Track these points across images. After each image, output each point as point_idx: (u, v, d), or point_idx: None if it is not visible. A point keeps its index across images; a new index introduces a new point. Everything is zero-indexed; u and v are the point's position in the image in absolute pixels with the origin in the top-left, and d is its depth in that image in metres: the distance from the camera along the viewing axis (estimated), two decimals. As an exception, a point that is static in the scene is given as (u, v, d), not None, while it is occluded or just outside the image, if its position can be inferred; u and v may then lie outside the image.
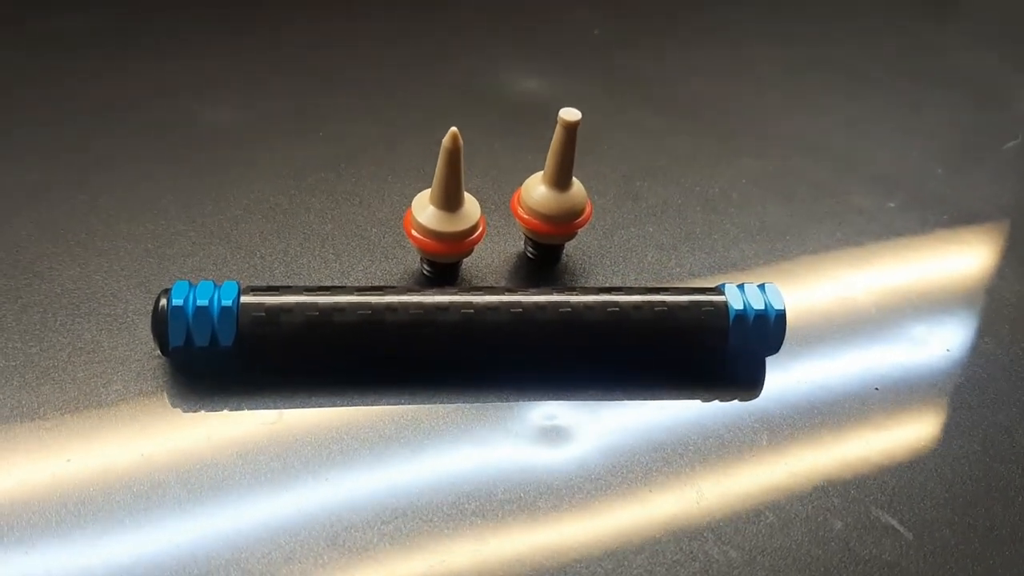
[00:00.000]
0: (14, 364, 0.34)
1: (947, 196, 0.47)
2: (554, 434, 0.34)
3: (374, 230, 0.41)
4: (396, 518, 0.30)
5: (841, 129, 0.51)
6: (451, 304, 0.34)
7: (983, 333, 0.40)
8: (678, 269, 0.41)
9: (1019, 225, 0.46)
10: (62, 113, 0.46)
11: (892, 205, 0.46)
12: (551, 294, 0.35)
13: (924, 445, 0.35)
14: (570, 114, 0.36)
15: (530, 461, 0.33)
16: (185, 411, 0.33)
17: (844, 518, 0.32)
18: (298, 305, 0.33)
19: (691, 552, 0.31)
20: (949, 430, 0.35)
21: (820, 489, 0.33)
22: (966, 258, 0.44)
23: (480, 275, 0.40)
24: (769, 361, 0.37)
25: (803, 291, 0.40)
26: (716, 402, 0.35)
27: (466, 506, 0.31)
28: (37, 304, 0.36)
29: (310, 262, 0.39)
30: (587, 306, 0.35)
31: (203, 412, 0.33)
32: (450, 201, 0.36)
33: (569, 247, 0.41)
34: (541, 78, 0.53)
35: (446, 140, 0.35)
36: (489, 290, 0.35)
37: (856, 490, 0.33)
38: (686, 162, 0.47)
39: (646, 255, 0.41)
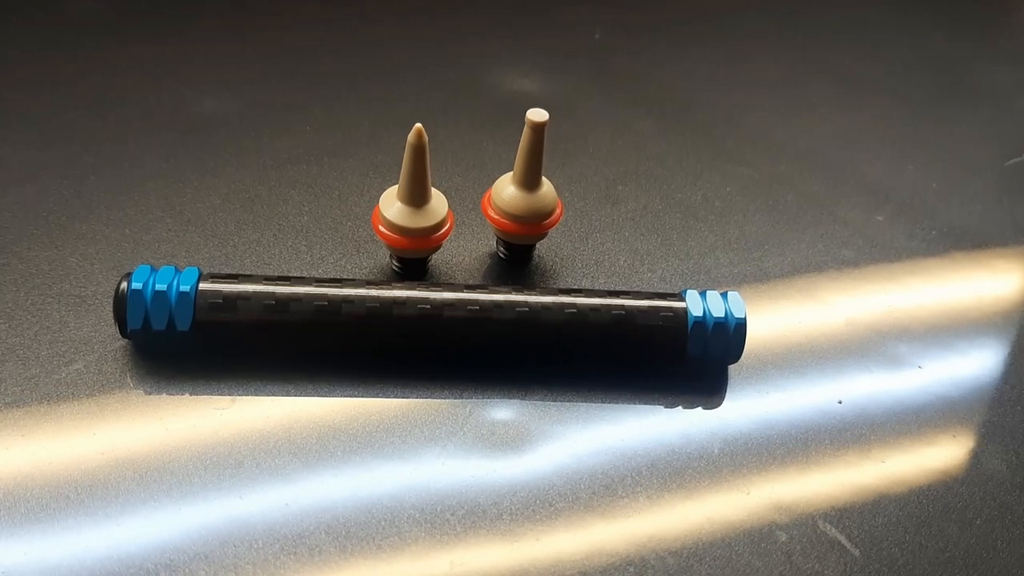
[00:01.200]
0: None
1: (938, 211, 0.46)
2: (505, 432, 0.34)
3: (349, 224, 0.41)
4: (339, 519, 0.31)
5: (837, 139, 0.50)
6: (408, 299, 0.34)
7: (955, 352, 0.39)
8: (649, 275, 0.41)
9: (1007, 242, 0.45)
10: (56, 99, 0.47)
11: (880, 218, 0.45)
12: (509, 293, 0.35)
13: (882, 462, 0.34)
14: (537, 115, 0.36)
15: (479, 459, 0.33)
16: (141, 393, 0.33)
17: (789, 531, 0.32)
18: (255, 294, 0.34)
19: (627, 556, 0.30)
20: (909, 448, 0.35)
21: (768, 500, 0.32)
22: (947, 274, 0.43)
23: (451, 273, 0.40)
24: (732, 370, 0.37)
25: (774, 301, 0.40)
26: (672, 408, 0.35)
27: (406, 498, 0.31)
28: (11, 283, 0.37)
29: (281, 253, 0.40)
30: (545, 306, 0.35)
31: (158, 395, 0.33)
32: (416, 197, 0.37)
33: (542, 248, 0.41)
34: (535, 78, 0.53)
35: (411, 136, 0.35)
36: (448, 286, 0.35)
37: (806, 503, 0.33)
38: (671, 167, 0.47)
39: (618, 259, 0.41)
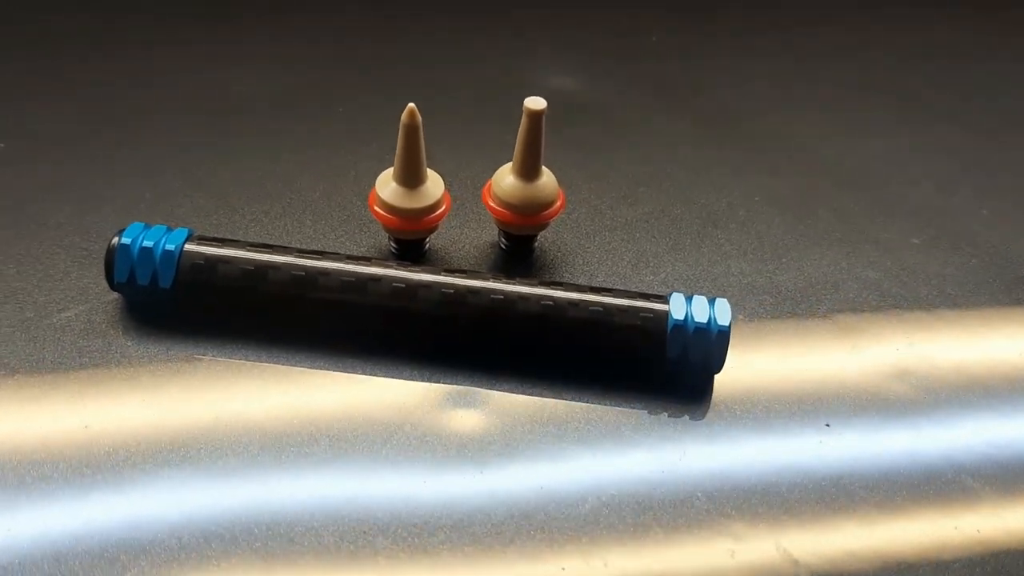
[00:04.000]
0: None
1: (983, 239, 0.43)
2: (469, 419, 0.33)
3: (358, 204, 0.42)
4: (287, 509, 0.31)
5: (886, 160, 0.48)
6: (383, 277, 0.34)
7: (959, 386, 0.36)
8: (651, 277, 0.39)
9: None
10: (99, 72, 0.50)
11: (916, 241, 0.43)
12: (487, 280, 0.35)
13: (858, 486, 0.32)
14: (535, 103, 0.36)
15: (438, 437, 0.32)
16: (121, 344, 0.34)
17: (742, 544, 0.30)
18: (236, 258, 0.34)
19: (570, 553, 0.29)
20: (887, 473, 0.32)
21: (725, 514, 0.31)
22: (980, 309, 0.40)
23: (452, 260, 0.39)
24: (718, 380, 0.35)
25: (777, 316, 0.38)
26: (646, 412, 0.34)
27: (342, 485, 0.31)
28: (29, 234, 0.39)
29: (286, 225, 0.40)
30: (521, 296, 0.34)
31: (135, 345, 0.34)
32: (410, 178, 0.37)
33: (546, 241, 0.41)
34: (578, 77, 0.52)
35: (404, 115, 0.35)
36: (427, 268, 0.35)
37: (766, 521, 0.31)
38: (699, 173, 0.45)
39: (622, 259, 0.40)
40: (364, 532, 0.29)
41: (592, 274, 0.39)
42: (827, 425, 0.34)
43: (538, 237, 0.40)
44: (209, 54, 0.52)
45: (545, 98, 0.52)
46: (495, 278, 0.35)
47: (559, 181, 0.43)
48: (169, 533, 0.29)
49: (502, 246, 0.40)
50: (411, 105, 0.35)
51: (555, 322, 0.34)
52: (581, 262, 0.40)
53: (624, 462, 0.32)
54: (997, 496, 0.32)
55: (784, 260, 0.41)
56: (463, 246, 0.40)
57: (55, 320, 0.35)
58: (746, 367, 0.36)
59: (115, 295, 0.36)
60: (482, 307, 0.34)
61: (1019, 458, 0.33)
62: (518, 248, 0.40)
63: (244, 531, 0.29)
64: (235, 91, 0.49)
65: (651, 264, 0.40)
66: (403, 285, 0.34)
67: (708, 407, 0.34)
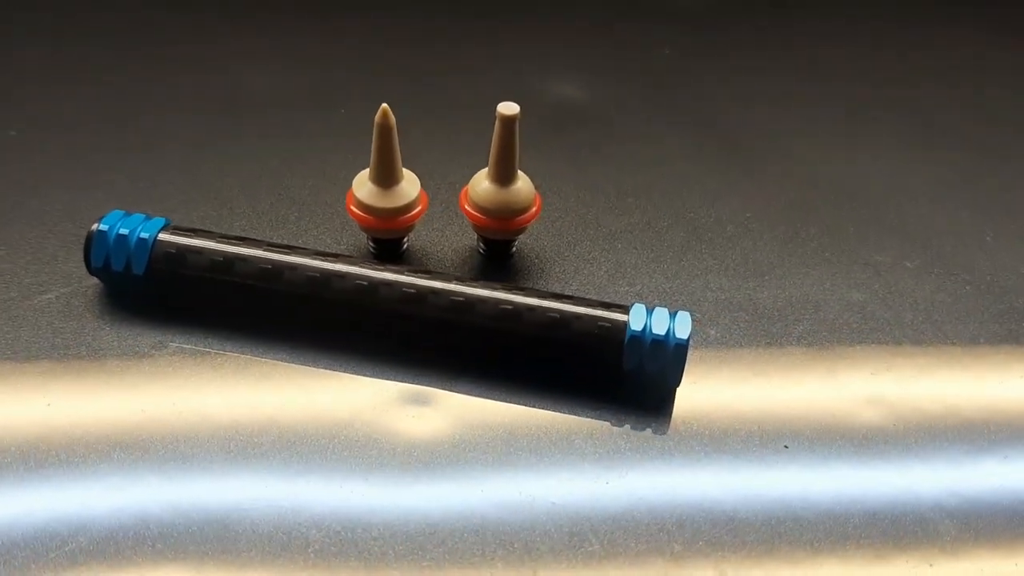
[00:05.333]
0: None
1: (982, 266, 0.41)
2: (420, 418, 0.33)
3: (343, 203, 0.42)
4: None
5: (889, 179, 0.47)
6: (347, 274, 0.35)
7: (934, 418, 0.35)
8: (627, 289, 0.39)
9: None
10: (114, 62, 0.51)
11: (909, 264, 0.41)
12: (449, 281, 0.35)
13: (811, 513, 0.31)
14: (508, 108, 0.36)
15: (392, 439, 0.33)
16: (93, 325, 0.35)
17: (679, 564, 0.29)
18: (207, 249, 0.35)
19: (501, 559, 0.29)
20: (841, 502, 0.31)
21: (665, 531, 0.30)
22: (968, 341, 0.38)
23: (431, 263, 0.40)
24: (680, 395, 0.35)
25: (749, 334, 0.37)
26: (600, 423, 0.34)
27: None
28: (24, 217, 0.40)
29: (271, 221, 0.41)
30: (480, 299, 0.34)
31: (107, 329, 0.35)
32: (385, 178, 0.37)
33: (525, 248, 0.41)
34: (584, 86, 0.52)
35: (377, 116, 0.36)
36: (390, 267, 0.35)
37: (708, 542, 0.30)
38: (692, 186, 0.45)
39: (600, 269, 0.40)
40: (299, 524, 0.30)
41: (567, 282, 0.39)
42: (785, 447, 0.33)
43: (517, 242, 0.40)
44: (218, 52, 0.53)
45: (548, 106, 0.52)
46: (458, 280, 0.35)
47: (549, 188, 0.44)
48: (109, 514, 0.29)
49: (480, 251, 0.40)
50: (384, 105, 0.35)
51: (511, 326, 0.34)
52: (558, 270, 0.40)
53: (570, 473, 0.32)
54: (959, 535, 0.31)
55: (766, 278, 0.40)
56: (442, 248, 0.40)
57: (36, 301, 0.36)
58: (711, 383, 0.35)
59: (95, 280, 0.37)
60: (441, 307, 0.34)
61: (988, 500, 0.32)
62: (495, 253, 0.40)
63: (182, 516, 0.30)
64: (241, 89, 0.50)
65: (628, 275, 0.40)
66: (365, 282, 0.35)
67: (665, 421, 0.34)
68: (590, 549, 0.30)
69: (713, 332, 0.37)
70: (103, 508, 0.30)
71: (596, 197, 0.44)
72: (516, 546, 0.30)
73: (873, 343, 0.37)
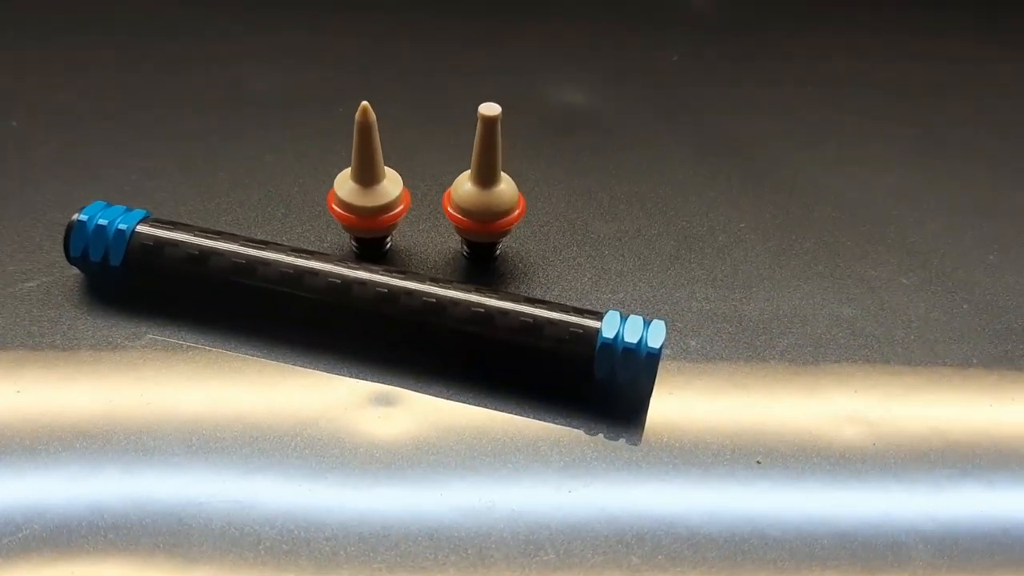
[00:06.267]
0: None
1: (983, 286, 0.40)
2: (386, 418, 0.33)
3: (332, 201, 0.42)
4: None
5: (891, 192, 0.45)
6: (320, 271, 0.35)
7: (916, 439, 0.34)
8: (609, 296, 0.38)
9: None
10: (120, 60, 0.52)
11: (905, 281, 0.40)
12: (423, 282, 0.34)
13: (776, 530, 0.30)
14: (489, 108, 0.35)
15: (357, 438, 0.32)
16: (70, 314, 0.36)
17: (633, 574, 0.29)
18: (183, 242, 0.35)
19: (453, 565, 0.29)
20: (812, 521, 0.30)
21: (624, 543, 0.30)
22: (951, 351, 0.37)
23: (413, 264, 0.39)
24: (653, 405, 0.34)
25: (734, 344, 0.36)
26: (568, 430, 0.33)
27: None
28: (17, 205, 0.41)
29: (257, 217, 0.41)
30: (453, 301, 0.34)
31: (83, 318, 0.36)
32: (365, 176, 0.37)
33: (510, 252, 0.40)
34: (590, 92, 0.51)
35: (357, 114, 0.35)
36: (364, 266, 0.35)
37: (667, 556, 0.29)
38: (688, 195, 0.44)
39: (584, 276, 0.39)
40: (252, 521, 0.29)
41: (549, 287, 0.39)
42: (758, 463, 0.32)
43: (502, 246, 0.40)
44: (221, 49, 0.53)
45: (549, 109, 0.51)
46: (432, 281, 0.34)
47: (540, 193, 0.43)
48: (65, 503, 0.30)
49: (464, 253, 0.40)
50: (364, 103, 0.35)
51: (482, 329, 0.33)
52: (541, 275, 0.39)
53: (533, 480, 0.31)
54: (933, 561, 0.30)
55: (755, 290, 0.39)
56: (427, 250, 0.40)
57: (17, 289, 0.37)
58: (687, 394, 0.35)
59: (76, 271, 0.37)
60: (414, 309, 0.34)
61: (966, 527, 0.31)
62: (479, 256, 0.39)
63: (137, 508, 0.29)
64: (242, 87, 0.50)
65: (612, 282, 0.39)
66: (338, 281, 0.34)
67: (636, 432, 0.33)
68: (545, 558, 0.29)
69: (694, 343, 0.37)
70: (60, 497, 0.30)
71: (588, 203, 0.43)
72: (470, 551, 0.29)
73: (860, 360, 0.36)
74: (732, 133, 0.49)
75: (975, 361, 0.37)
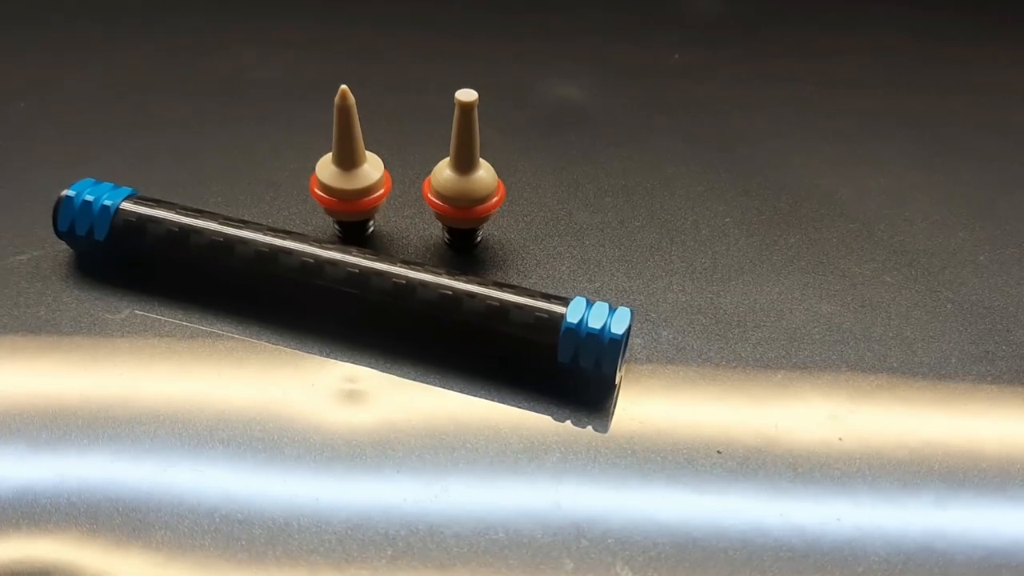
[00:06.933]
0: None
1: (970, 287, 0.39)
2: (350, 397, 0.33)
3: (320, 186, 0.43)
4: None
5: (885, 192, 0.45)
6: (294, 250, 0.35)
7: (886, 442, 0.33)
8: (586, 285, 0.38)
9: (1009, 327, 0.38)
10: (129, 48, 0.53)
11: (889, 279, 0.40)
12: (394, 264, 0.35)
13: (728, 522, 0.30)
14: (466, 95, 0.36)
15: (320, 416, 0.33)
16: (56, 287, 0.37)
17: (581, 561, 0.29)
18: (164, 219, 0.36)
19: (399, 540, 0.29)
20: (765, 515, 0.30)
21: (574, 526, 0.30)
22: (929, 349, 0.36)
23: (395, 249, 0.40)
24: (623, 393, 0.34)
25: (706, 336, 0.36)
26: (531, 414, 0.33)
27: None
28: (24, 181, 0.42)
29: (245, 199, 0.42)
30: (422, 283, 0.34)
31: (68, 291, 0.37)
32: (346, 159, 0.37)
33: (492, 239, 0.40)
34: (587, 87, 0.51)
35: (336, 97, 0.36)
36: (338, 247, 0.35)
37: (615, 540, 0.29)
38: (674, 189, 0.44)
39: (562, 265, 0.39)
40: (212, 494, 0.30)
41: (527, 275, 0.39)
42: (718, 452, 0.32)
43: (484, 233, 0.40)
44: (222, 36, 0.54)
45: (547, 104, 0.51)
46: (404, 263, 0.35)
47: (527, 183, 0.44)
48: (27, 481, 0.30)
49: (445, 240, 0.40)
50: (343, 86, 0.36)
51: (449, 312, 0.34)
52: (520, 262, 0.39)
53: (487, 461, 0.32)
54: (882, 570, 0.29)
55: (733, 283, 0.39)
56: (409, 236, 0.41)
57: (9, 262, 0.38)
58: (651, 383, 0.35)
59: (66, 247, 0.38)
60: (384, 290, 0.34)
61: (918, 539, 0.30)
62: (459, 242, 0.40)
63: (96, 487, 0.30)
64: (242, 74, 0.51)
65: (590, 272, 0.39)
66: (311, 260, 0.35)
67: (601, 420, 0.33)
68: (495, 537, 0.29)
69: (666, 333, 0.36)
70: (23, 471, 0.30)
71: (574, 194, 0.43)
72: (421, 530, 0.29)
73: (833, 355, 0.36)
74: (727, 131, 0.49)
75: (954, 360, 0.36)
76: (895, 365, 0.36)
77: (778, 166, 0.46)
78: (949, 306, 0.39)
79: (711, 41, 0.56)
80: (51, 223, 0.38)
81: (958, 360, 0.36)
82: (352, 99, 0.36)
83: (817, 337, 0.37)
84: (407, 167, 0.43)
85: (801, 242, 0.41)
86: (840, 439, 0.33)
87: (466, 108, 0.36)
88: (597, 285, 0.39)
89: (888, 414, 0.34)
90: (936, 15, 0.59)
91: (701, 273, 0.39)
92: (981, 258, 0.41)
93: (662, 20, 0.58)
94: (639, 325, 0.37)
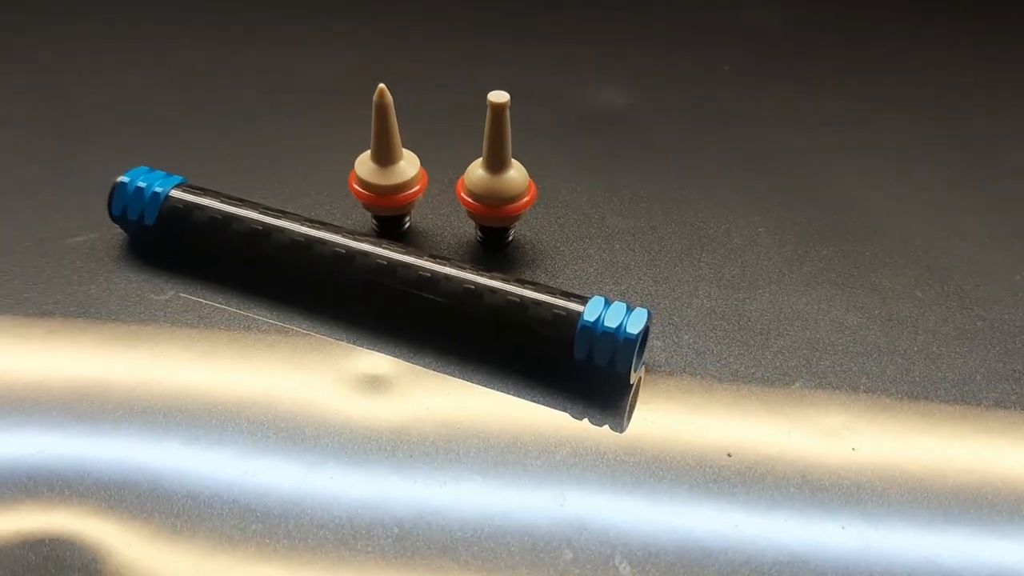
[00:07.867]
0: (30, 200, 0.42)
1: (1004, 304, 0.39)
2: (372, 383, 0.35)
3: (362, 182, 0.44)
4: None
5: (929, 213, 0.44)
6: (328, 241, 0.37)
7: (898, 458, 0.33)
8: (611, 287, 0.39)
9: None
10: (192, 47, 0.56)
11: (920, 294, 0.39)
12: (421, 258, 0.36)
13: (729, 524, 0.30)
14: (498, 96, 0.37)
15: (341, 401, 0.34)
16: (108, 267, 0.39)
17: (581, 552, 0.29)
18: (209, 207, 0.38)
19: (400, 521, 0.30)
20: (768, 522, 0.30)
21: (577, 518, 0.30)
22: (955, 365, 0.36)
23: (429, 245, 0.41)
24: (641, 393, 0.34)
25: (727, 342, 0.37)
26: (545, 409, 0.34)
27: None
28: (79, 174, 0.44)
29: (290, 193, 0.44)
30: (446, 276, 0.35)
31: (119, 271, 0.39)
32: (383, 156, 0.39)
33: (523, 239, 0.41)
34: (633, 95, 0.52)
35: (375, 95, 0.37)
36: (370, 240, 0.37)
37: (616, 535, 0.30)
38: (709, 197, 0.44)
39: (590, 267, 0.40)
40: (203, 490, 0.31)
41: (555, 274, 0.40)
42: (728, 455, 0.33)
43: (516, 232, 0.41)
44: (283, 33, 0.57)
45: (592, 107, 0.52)
46: (431, 257, 0.36)
47: (564, 186, 0.45)
48: (32, 464, 0.32)
49: (477, 238, 0.41)
50: (381, 85, 0.37)
51: (470, 306, 0.35)
52: (549, 262, 0.40)
53: (499, 451, 0.32)
54: None
55: (760, 291, 0.39)
56: (444, 233, 0.42)
57: (68, 243, 0.40)
58: (668, 386, 0.35)
59: (117, 228, 0.41)
60: (410, 281, 0.36)
61: (921, 557, 0.30)
62: (491, 240, 0.41)
63: (120, 461, 0.32)
64: (304, 74, 0.53)
65: (617, 275, 0.40)
66: (343, 251, 0.36)
67: (616, 420, 0.34)
68: (488, 530, 0.30)
69: (687, 337, 0.37)
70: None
71: (608, 198, 0.44)
72: (426, 515, 0.30)
73: (854, 367, 0.36)
74: (770, 143, 0.49)
75: (978, 378, 0.36)
76: (917, 379, 0.36)
77: (819, 180, 0.46)
78: (979, 323, 0.38)
79: (764, 53, 0.57)
80: (106, 207, 0.40)
81: (983, 378, 0.36)
82: (389, 97, 0.37)
83: (840, 348, 0.37)
84: (447, 166, 0.44)
85: (833, 254, 0.41)
86: (854, 449, 0.33)
87: (497, 109, 0.37)
88: (623, 288, 0.39)
89: (905, 428, 0.34)
90: (990, 36, 0.58)
91: (729, 280, 0.40)
92: (1018, 277, 0.41)
93: (718, 31, 0.59)
94: (660, 328, 0.37)
